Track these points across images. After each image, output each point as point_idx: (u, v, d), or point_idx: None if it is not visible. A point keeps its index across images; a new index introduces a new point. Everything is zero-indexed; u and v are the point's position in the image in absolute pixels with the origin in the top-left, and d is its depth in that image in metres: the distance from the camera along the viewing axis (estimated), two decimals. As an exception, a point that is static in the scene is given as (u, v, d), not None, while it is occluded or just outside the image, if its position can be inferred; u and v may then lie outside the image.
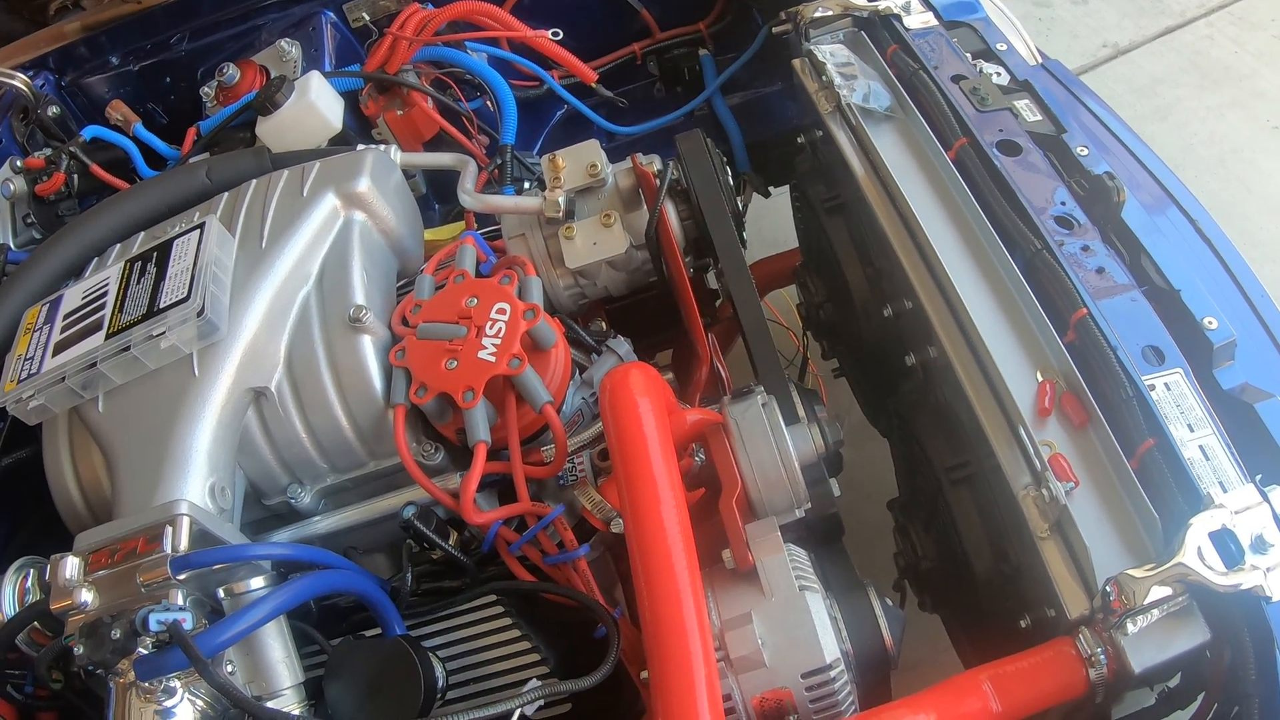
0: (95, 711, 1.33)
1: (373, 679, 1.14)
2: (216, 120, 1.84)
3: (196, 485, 1.25)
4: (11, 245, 1.87)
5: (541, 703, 1.09)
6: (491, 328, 1.22)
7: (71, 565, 1.17)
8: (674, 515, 1.03)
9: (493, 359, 1.20)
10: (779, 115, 2.23)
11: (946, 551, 1.35)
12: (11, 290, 1.53)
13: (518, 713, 1.04)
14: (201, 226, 1.36)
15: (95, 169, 1.90)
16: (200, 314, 1.26)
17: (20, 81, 2.07)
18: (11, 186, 1.89)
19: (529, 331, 1.23)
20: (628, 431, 1.08)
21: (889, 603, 1.13)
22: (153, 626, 1.06)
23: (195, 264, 1.31)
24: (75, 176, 1.92)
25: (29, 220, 1.91)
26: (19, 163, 1.95)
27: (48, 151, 1.96)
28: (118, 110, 2.01)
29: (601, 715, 1.24)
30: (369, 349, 1.30)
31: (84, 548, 1.20)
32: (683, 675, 0.96)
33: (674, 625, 0.98)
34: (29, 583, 1.30)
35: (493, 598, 1.25)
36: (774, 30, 1.81)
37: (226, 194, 1.49)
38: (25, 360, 1.37)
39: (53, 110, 2.07)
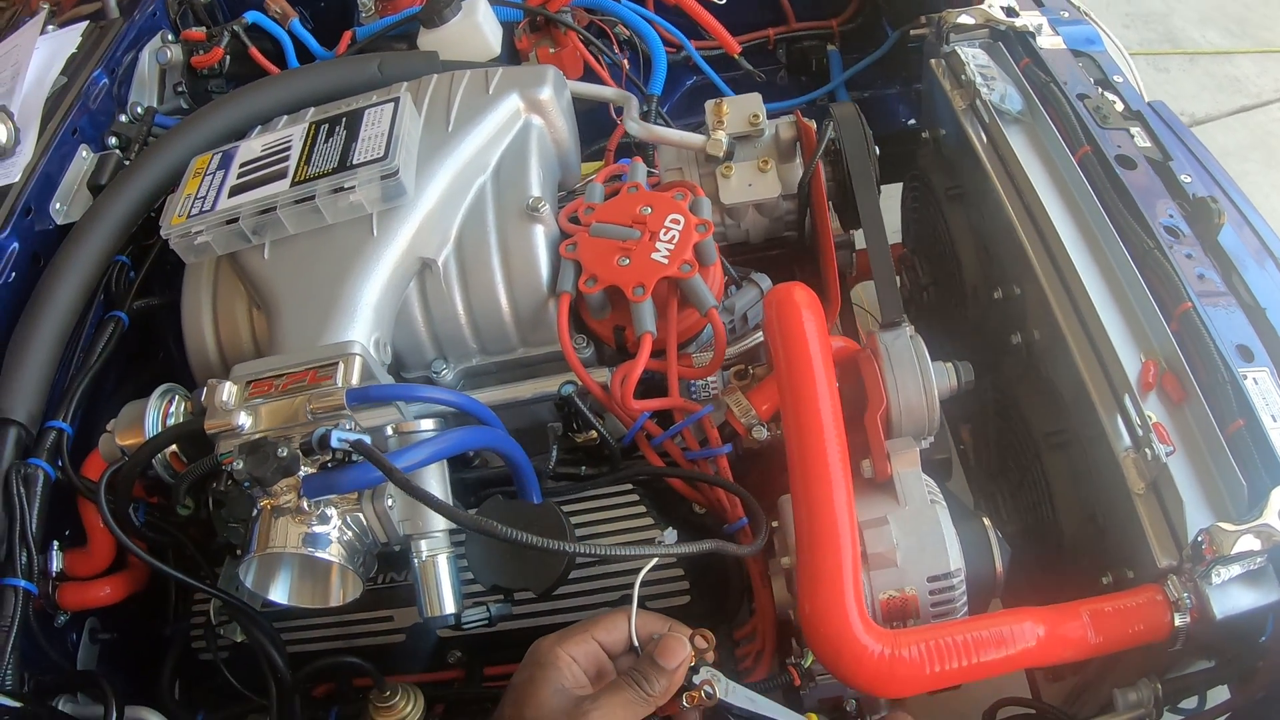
0: (201, 553, 1.36)
1: (517, 539, 1.19)
2: (378, 26, 1.91)
3: (363, 334, 1.29)
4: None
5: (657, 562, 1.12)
6: (665, 234, 1.30)
7: (229, 389, 1.19)
8: (831, 412, 1.11)
9: (665, 260, 1.28)
10: (893, 115, 2.35)
11: (1031, 515, 1.45)
12: (176, 137, 1.58)
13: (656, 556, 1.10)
14: (396, 100, 1.43)
15: (254, 52, 1.96)
16: (395, 175, 1.32)
17: (179, -39, 2.13)
18: (168, 54, 1.93)
19: (696, 244, 1.31)
20: (793, 334, 1.15)
21: (1000, 535, 1.22)
22: (334, 443, 1.08)
23: (391, 130, 1.37)
24: (229, 57, 1.98)
25: (179, 89, 1.97)
26: (169, 35, 1.99)
27: (204, 29, 2.03)
28: (277, 4, 2.07)
29: (712, 617, 1.28)
30: (541, 238, 1.36)
31: (242, 375, 1.22)
32: (832, 556, 1.04)
33: (827, 510, 1.06)
34: (173, 408, 1.32)
35: (628, 487, 1.31)
36: (911, 33, 1.92)
37: (406, 83, 1.55)
38: (197, 199, 1.40)
39: (207, -6, 2.12)
